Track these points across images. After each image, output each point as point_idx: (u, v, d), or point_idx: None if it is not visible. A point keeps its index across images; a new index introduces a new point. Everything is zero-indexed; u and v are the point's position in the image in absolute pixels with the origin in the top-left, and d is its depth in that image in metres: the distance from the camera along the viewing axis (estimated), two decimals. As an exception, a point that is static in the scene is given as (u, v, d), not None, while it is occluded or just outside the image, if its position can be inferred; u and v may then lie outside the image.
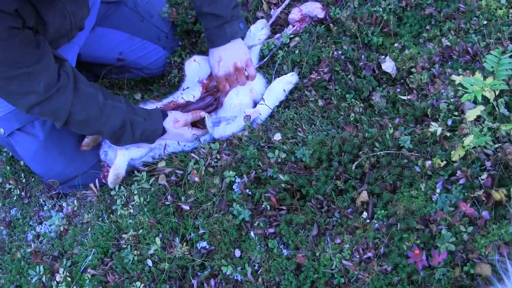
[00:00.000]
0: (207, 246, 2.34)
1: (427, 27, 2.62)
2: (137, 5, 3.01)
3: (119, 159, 2.62)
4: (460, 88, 2.22)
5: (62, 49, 2.66)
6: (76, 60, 2.92)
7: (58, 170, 2.78)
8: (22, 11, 2.12)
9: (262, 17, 2.91)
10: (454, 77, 2.10)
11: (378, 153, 2.21)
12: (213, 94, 2.78)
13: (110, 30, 3.02)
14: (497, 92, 1.98)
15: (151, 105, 2.78)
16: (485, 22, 2.50)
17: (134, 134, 2.53)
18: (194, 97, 2.79)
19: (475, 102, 2.12)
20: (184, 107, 2.77)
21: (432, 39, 2.59)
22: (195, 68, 2.89)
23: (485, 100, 2.07)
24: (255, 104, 2.71)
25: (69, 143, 2.75)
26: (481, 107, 2.03)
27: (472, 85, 1.90)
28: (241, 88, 2.75)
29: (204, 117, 2.67)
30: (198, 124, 2.71)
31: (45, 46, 2.30)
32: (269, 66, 2.79)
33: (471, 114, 2.03)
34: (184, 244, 2.35)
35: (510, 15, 2.51)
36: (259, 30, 2.85)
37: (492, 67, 1.93)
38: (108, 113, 2.47)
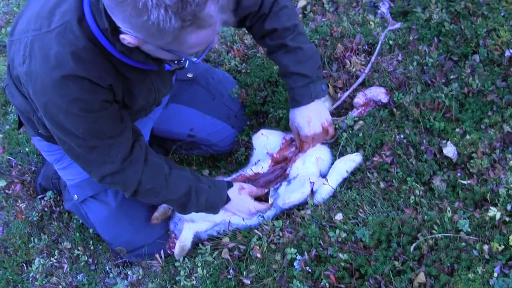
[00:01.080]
0: None
1: (489, 113, 2.68)
2: (209, 85, 3.17)
3: (185, 232, 2.72)
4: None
5: (138, 123, 2.80)
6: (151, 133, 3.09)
7: (126, 239, 2.89)
8: (115, 86, 2.25)
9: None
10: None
11: (437, 235, 2.26)
12: (282, 167, 2.89)
13: (183, 107, 3.18)
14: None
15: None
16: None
17: (198, 201, 2.62)
18: (262, 168, 2.90)
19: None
20: (252, 179, 2.87)
21: (493, 125, 2.64)
22: (263, 141, 2.99)
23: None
24: (321, 176, 2.81)
25: (139, 214, 2.87)
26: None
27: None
28: (307, 157, 2.83)
29: (268, 191, 2.78)
30: (261, 198, 2.82)
31: (127, 121, 2.43)
32: (333, 148, 2.88)
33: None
34: None
35: None
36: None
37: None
38: (174, 181, 2.57)
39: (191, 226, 2.75)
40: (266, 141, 2.99)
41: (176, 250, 2.72)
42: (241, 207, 2.75)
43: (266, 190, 2.80)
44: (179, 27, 1.78)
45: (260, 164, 2.93)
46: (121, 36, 1.91)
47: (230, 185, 2.76)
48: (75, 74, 2.08)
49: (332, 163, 2.81)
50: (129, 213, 2.89)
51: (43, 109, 2.21)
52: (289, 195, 2.76)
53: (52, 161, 2.97)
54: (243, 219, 2.77)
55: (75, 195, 2.92)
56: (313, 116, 2.79)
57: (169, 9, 1.71)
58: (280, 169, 2.87)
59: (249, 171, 2.92)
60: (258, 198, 2.81)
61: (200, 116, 3.20)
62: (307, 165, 2.82)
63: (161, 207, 2.86)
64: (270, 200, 2.76)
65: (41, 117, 2.34)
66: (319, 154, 2.83)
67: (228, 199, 2.71)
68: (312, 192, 2.72)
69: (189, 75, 3.17)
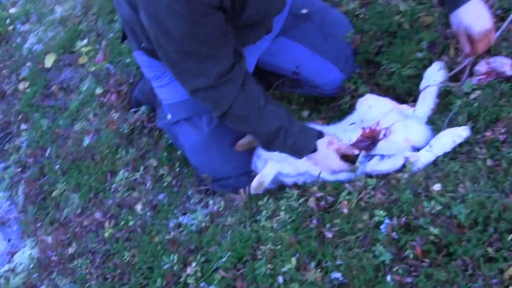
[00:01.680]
0: (341, 278, 2.31)
1: None
2: (323, 24, 3.05)
3: (268, 168, 2.68)
4: None
5: (245, 51, 2.75)
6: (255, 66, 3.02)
7: (213, 167, 2.89)
8: None
9: (447, 62, 2.87)
10: None
11: (540, 227, 2.13)
12: (371, 138, 2.78)
13: (292, 42, 3.09)
14: None
15: (316, 126, 2.82)
16: None
17: (285, 142, 2.57)
18: (350, 140, 2.80)
19: None
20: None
21: None
22: (366, 107, 2.90)
23: None
24: (414, 150, 2.69)
25: (229, 145, 2.84)
26: None
27: None
28: (395, 136, 2.72)
29: (358, 154, 2.68)
30: (349, 158, 2.73)
31: (231, 37, 2.39)
32: (442, 113, 2.74)
33: None
34: (319, 270, 2.35)
35: None
36: (435, 71, 2.82)
37: None
38: (267, 115, 2.53)
39: (275, 165, 2.70)
40: (368, 109, 2.90)
41: (254, 183, 2.68)
42: (324, 161, 2.68)
43: (356, 152, 2.70)
44: None
45: (348, 134, 2.84)
46: None
47: (320, 135, 2.68)
48: None
49: (428, 141, 2.67)
50: (219, 142, 2.87)
51: (143, 5, 2.19)
52: (376, 163, 2.66)
53: (151, 78, 2.95)
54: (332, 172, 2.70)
55: (169, 115, 2.90)
56: (480, 11, 2.57)
57: None
58: (369, 139, 2.76)
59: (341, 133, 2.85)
60: (345, 158, 2.72)
61: (309, 54, 3.10)
62: (394, 145, 2.71)
63: (248, 136, 2.82)
64: (357, 164, 2.66)
65: (142, 19, 2.32)
66: (407, 135, 2.70)
67: (315, 149, 2.64)
68: (404, 166, 2.60)
69: (304, 11, 3.07)
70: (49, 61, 4.09)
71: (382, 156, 2.65)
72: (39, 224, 3.31)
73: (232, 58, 2.42)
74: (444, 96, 2.77)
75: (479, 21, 2.54)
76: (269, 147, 2.65)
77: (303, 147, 2.63)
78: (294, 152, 2.65)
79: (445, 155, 2.58)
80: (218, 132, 2.85)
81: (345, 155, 2.71)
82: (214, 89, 2.43)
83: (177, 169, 3.17)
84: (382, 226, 2.37)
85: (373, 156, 2.67)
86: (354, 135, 2.79)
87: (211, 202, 2.88)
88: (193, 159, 2.98)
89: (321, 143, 2.65)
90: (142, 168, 3.20)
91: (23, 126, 3.94)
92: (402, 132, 2.68)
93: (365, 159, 2.66)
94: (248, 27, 2.59)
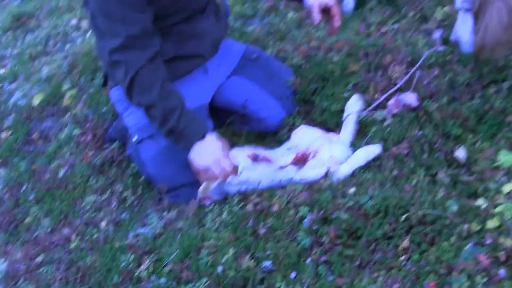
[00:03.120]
0: (270, 266, 2.72)
1: (505, 129, 3.02)
2: (270, 68, 3.59)
3: None
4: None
5: (201, 82, 3.38)
6: (211, 104, 3.54)
7: (168, 175, 3.28)
8: None
9: (367, 100, 3.43)
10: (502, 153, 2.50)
11: (426, 211, 2.61)
12: (303, 160, 3.23)
13: (242, 78, 3.59)
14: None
15: (256, 150, 3.33)
16: None
17: (179, 121, 2.96)
18: (286, 162, 3.23)
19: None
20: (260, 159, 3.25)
21: (507, 140, 2.96)
22: (299, 136, 3.37)
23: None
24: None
25: (183, 156, 3.17)
26: (517, 181, 2.45)
27: (505, 156, 2.33)
28: (321, 155, 3.18)
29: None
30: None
31: (147, 10, 2.90)
32: (362, 138, 3.26)
33: (507, 187, 2.45)
34: (252, 260, 2.74)
35: None
36: (354, 102, 3.37)
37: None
38: (169, 90, 2.95)
39: None
40: (301, 138, 3.36)
41: (201, 187, 3.07)
42: (211, 152, 3.02)
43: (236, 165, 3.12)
44: None
45: (284, 158, 3.28)
46: None
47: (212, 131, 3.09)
48: None
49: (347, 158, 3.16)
50: (174, 153, 3.24)
51: None
52: (306, 172, 3.13)
53: (121, 111, 3.44)
54: (272, 180, 3.14)
55: (135, 136, 3.36)
56: None
57: None
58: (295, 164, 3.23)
59: (279, 157, 3.31)
60: None
61: (256, 89, 3.59)
62: (321, 162, 3.17)
63: None
64: (239, 169, 3.10)
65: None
66: (331, 153, 3.17)
67: (204, 136, 3.03)
68: (326, 174, 3.07)
69: (254, 56, 3.64)
70: (36, 100, 4.60)
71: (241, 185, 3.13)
72: (9, 248, 3.56)
73: (143, 26, 2.82)
74: (363, 125, 3.31)
75: None
76: (162, 125, 3.02)
77: (194, 131, 3.01)
78: (184, 134, 3.03)
79: (361, 168, 3.09)
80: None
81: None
82: (125, 50, 2.80)
83: (140, 192, 3.58)
84: (305, 220, 2.81)
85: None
86: (289, 158, 3.25)
87: (165, 214, 3.28)
88: (152, 169, 3.36)
89: (211, 135, 3.06)
90: (108, 191, 3.61)
91: (1, 170, 4.25)
92: (327, 151, 3.16)
93: (248, 168, 3.14)
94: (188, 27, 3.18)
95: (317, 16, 3.28)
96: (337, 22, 3.33)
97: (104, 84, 3.53)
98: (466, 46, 3.52)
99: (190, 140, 3.06)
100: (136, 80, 2.95)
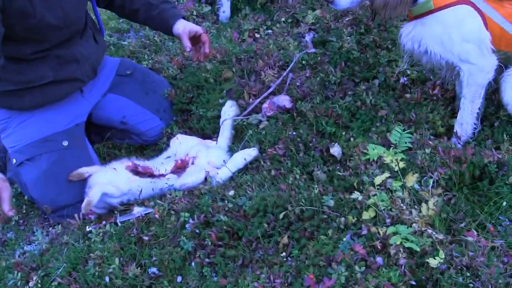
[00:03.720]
0: (157, 271, 2.73)
1: (377, 124, 3.12)
2: (145, 82, 3.59)
3: (94, 189, 3.06)
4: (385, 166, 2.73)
5: (77, 103, 3.33)
6: (88, 121, 3.50)
7: (51, 197, 3.24)
8: None
9: (242, 105, 3.48)
10: (370, 146, 2.57)
11: (303, 207, 2.66)
12: (182, 167, 3.26)
13: (119, 96, 3.60)
14: (399, 159, 2.46)
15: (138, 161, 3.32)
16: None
17: None
18: (166, 170, 3.25)
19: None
20: (142, 172, 3.25)
21: (379, 134, 3.06)
22: (177, 145, 3.41)
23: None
24: None
25: (64, 177, 3.21)
26: (387, 174, 2.53)
27: (374, 149, 2.41)
28: (199, 160, 3.24)
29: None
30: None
31: None
32: (239, 142, 3.31)
33: (378, 179, 2.53)
34: (139, 268, 2.74)
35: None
36: (229, 108, 3.43)
37: (395, 139, 2.45)
38: None
39: (100, 186, 3.09)
40: (179, 146, 3.40)
41: (83, 204, 3.04)
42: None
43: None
44: None
45: (164, 166, 3.31)
46: None
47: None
48: None
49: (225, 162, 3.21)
50: (55, 176, 3.24)
51: None
52: (185, 178, 3.17)
53: (-1, 132, 3.39)
54: (152, 188, 3.16)
55: (14, 159, 3.30)
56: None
57: None
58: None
59: (159, 165, 3.32)
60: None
61: (133, 105, 3.63)
62: (200, 167, 3.22)
63: (80, 169, 3.25)
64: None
65: None
66: (209, 158, 3.23)
67: None
68: (206, 179, 3.12)
69: (128, 72, 3.63)
70: None
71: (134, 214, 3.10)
72: None
73: None
74: (239, 129, 3.36)
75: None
76: None
77: None
78: None
79: (239, 170, 3.13)
80: (55, 167, 3.24)
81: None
82: None
83: (24, 211, 3.52)
84: (187, 225, 2.83)
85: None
86: (169, 166, 3.26)
87: (51, 229, 3.25)
88: (34, 193, 3.32)
89: None
90: (-9, 213, 3.54)
91: None
92: (205, 157, 3.21)
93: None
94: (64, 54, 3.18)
95: (186, 44, 3.41)
96: (206, 49, 3.47)
97: None
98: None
99: None
100: None
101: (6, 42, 2.92)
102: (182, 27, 3.40)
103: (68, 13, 3.11)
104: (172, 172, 3.23)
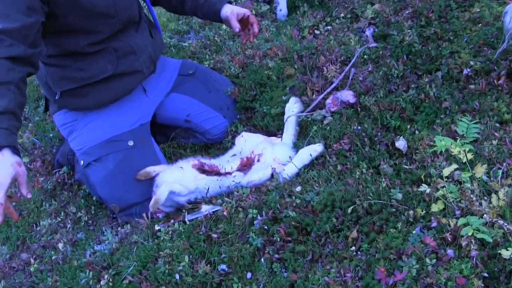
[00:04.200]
0: (226, 268, 2.74)
1: (441, 116, 3.06)
2: (207, 81, 3.61)
3: (161, 188, 3.08)
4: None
5: (141, 103, 3.36)
6: (153, 121, 3.54)
7: (118, 196, 3.29)
8: None
9: (305, 101, 3.47)
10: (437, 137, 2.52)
11: (372, 201, 2.65)
12: (248, 165, 3.27)
13: (182, 95, 3.64)
14: (466, 150, 2.41)
15: (205, 160, 3.34)
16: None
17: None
18: (232, 168, 3.27)
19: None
20: (209, 171, 3.27)
21: (443, 126, 3.00)
22: (242, 142, 3.43)
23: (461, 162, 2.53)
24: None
25: (131, 176, 3.26)
26: (455, 166, 2.49)
27: (441, 141, 2.37)
28: (265, 157, 3.24)
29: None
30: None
31: (30, 13, 2.76)
32: (304, 138, 3.30)
33: (446, 171, 2.49)
34: (208, 265, 2.76)
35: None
36: (293, 104, 3.42)
37: (462, 130, 2.41)
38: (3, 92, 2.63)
39: (167, 185, 3.11)
40: (244, 143, 3.42)
41: (151, 202, 3.07)
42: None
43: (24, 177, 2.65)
44: None
45: (230, 164, 3.32)
46: None
47: (15, 149, 2.62)
48: None
49: (291, 159, 3.21)
50: (123, 174, 3.29)
51: None
52: (252, 175, 3.18)
53: (66, 135, 3.43)
54: (219, 186, 3.16)
55: (82, 161, 3.36)
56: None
57: None
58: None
59: (224, 163, 3.33)
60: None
61: (196, 104, 3.65)
62: (266, 164, 3.23)
63: (147, 168, 3.28)
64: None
65: None
66: (275, 155, 3.23)
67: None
68: (272, 176, 3.12)
69: (190, 71, 3.66)
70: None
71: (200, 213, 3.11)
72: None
73: (20, 26, 2.69)
74: (304, 125, 3.35)
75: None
76: None
77: None
78: None
79: (305, 166, 3.12)
80: (122, 166, 3.29)
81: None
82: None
83: (93, 212, 3.58)
84: (255, 222, 2.84)
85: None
86: (235, 164, 3.28)
87: (120, 229, 3.29)
88: (102, 193, 3.38)
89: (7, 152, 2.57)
90: (63, 213, 3.59)
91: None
92: (271, 154, 3.21)
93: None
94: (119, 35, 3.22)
95: (235, 25, 3.41)
96: (256, 29, 3.46)
97: (46, 109, 3.51)
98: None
99: None
100: None
101: (62, 35, 3.00)
102: (230, 10, 3.39)
103: (117, 0, 3.14)
104: (238, 169, 3.24)
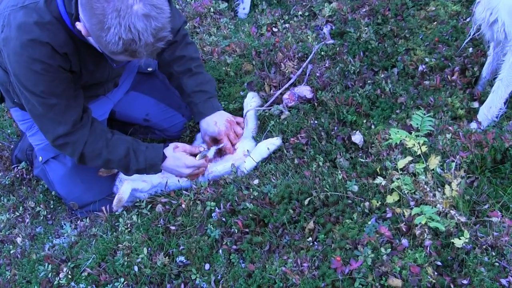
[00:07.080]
0: (184, 260, 2.74)
1: (397, 111, 3.10)
2: (165, 79, 3.60)
3: (124, 186, 3.08)
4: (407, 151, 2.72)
5: (100, 102, 3.25)
6: (111, 118, 3.50)
7: (78, 194, 3.27)
8: (72, 57, 2.68)
9: (263, 96, 3.48)
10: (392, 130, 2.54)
11: (328, 193, 2.67)
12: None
13: (141, 95, 3.59)
14: (421, 143, 2.43)
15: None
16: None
17: (138, 160, 2.97)
18: (204, 148, 3.24)
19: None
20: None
21: (399, 120, 3.05)
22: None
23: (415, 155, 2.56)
24: None
25: (91, 174, 3.23)
26: (409, 158, 2.51)
27: (396, 134, 2.38)
28: (237, 153, 3.23)
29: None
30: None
31: (80, 93, 2.88)
32: (262, 132, 3.30)
33: (401, 163, 2.51)
34: (167, 257, 2.75)
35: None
36: (250, 99, 3.41)
37: (416, 123, 2.42)
38: (114, 143, 2.96)
39: (130, 182, 3.11)
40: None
41: (114, 201, 3.07)
42: (178, 162, 3.05)
43: (200, 149, 3.16)
44: (119, 51, 2.36)
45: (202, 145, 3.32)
46: (77, 23, 2.47)
47: (166, 145, 3.08)
48: (39, 39, 2.53)
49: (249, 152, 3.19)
50: (82, 173, 3.26)
51: (13, 68, 2.64)
52: (213, 167, 3.17)
53: (25, 130, 3.37)
54: (178, 180, 3.14)
55: (40, 157, 3.31)
56: (217, 118, 3.25)
57: (121, 41, 2.31)
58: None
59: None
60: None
61: (155, 103, 3.61)
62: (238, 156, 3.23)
63: None
64: (198, 157, 3.10)
65: (13, 81, 2.77)
66: (245, 148, 3.22)
67: (164, 157, 3.03)
68: (233, 167, 3.11)
69: (149, 69, 3.61)
70: None
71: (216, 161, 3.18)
72: None
73: (82, 107, 2.88)
74: (262, 120, 3.35)
75: (217, 125, 3.26)
76: (127, 171, 3.04)
77: (154, 159, 3.02)
78: (150, 167, 3.04)
79: (264, 160, 3.12)
80: (80, 165, 3.18)
81: (192, 153, 3.15)
82: (71, 134, 2.86)
83: (52, 206, 3.52)
84: (213, 214, 2.84)
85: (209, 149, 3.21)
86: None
87: (79, 223, 3.25)
88: (61, 190, 3.34)
89: (168, 150, 3.06)
90: (21, 208, 3.54)
91: None
92: (241, 148, 3.23)
93: (204, 152, 3.16)
94: (94, 85, 3.10)
95: (211, 147, 3.30)
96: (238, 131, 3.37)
97: (1, 100, 3.43)
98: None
99: (155, 166, 3.07)
100: (85, 154, 2.96)
101: None
102: (204, 130, 3.34)
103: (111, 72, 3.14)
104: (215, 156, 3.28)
